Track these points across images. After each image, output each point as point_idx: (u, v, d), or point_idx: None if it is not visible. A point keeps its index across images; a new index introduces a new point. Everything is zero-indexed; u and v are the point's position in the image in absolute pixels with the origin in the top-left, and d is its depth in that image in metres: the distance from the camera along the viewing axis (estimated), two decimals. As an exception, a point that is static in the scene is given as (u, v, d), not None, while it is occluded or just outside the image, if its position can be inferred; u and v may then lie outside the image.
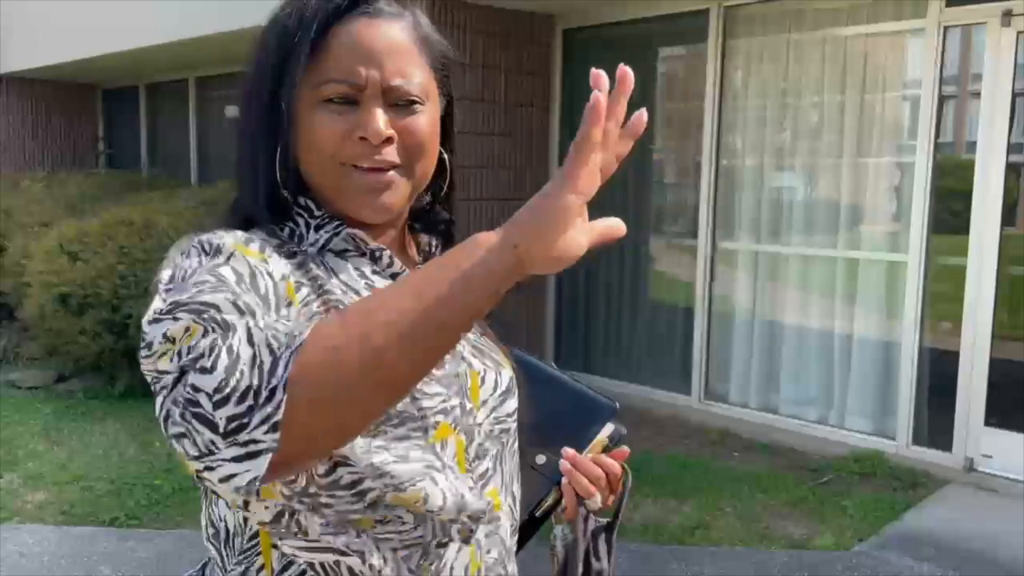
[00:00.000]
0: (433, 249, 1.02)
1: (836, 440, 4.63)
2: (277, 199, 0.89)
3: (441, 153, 0.96)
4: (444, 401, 0.86)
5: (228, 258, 0.77)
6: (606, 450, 1.07)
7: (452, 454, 0.87)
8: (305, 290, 0.82)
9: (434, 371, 0.86)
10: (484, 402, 0.93)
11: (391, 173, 0.88)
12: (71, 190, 7.69)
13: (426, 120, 0.90)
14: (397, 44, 0.88)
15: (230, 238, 0.80)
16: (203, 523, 0.91)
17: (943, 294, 4.44)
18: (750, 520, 3.79)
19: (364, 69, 0.86)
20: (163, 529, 3.64)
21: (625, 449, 1.09)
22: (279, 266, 0.81)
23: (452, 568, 0.86)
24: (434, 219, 1.02)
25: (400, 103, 0.88)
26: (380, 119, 0.86)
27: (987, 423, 4.22)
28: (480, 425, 0.92)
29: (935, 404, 4.42)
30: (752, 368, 5.07)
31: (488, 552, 0.92)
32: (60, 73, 9.01)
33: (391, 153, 0.88)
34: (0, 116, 9.46)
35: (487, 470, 0.92)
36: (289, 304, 0.79)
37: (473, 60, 5.21)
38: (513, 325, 5.54)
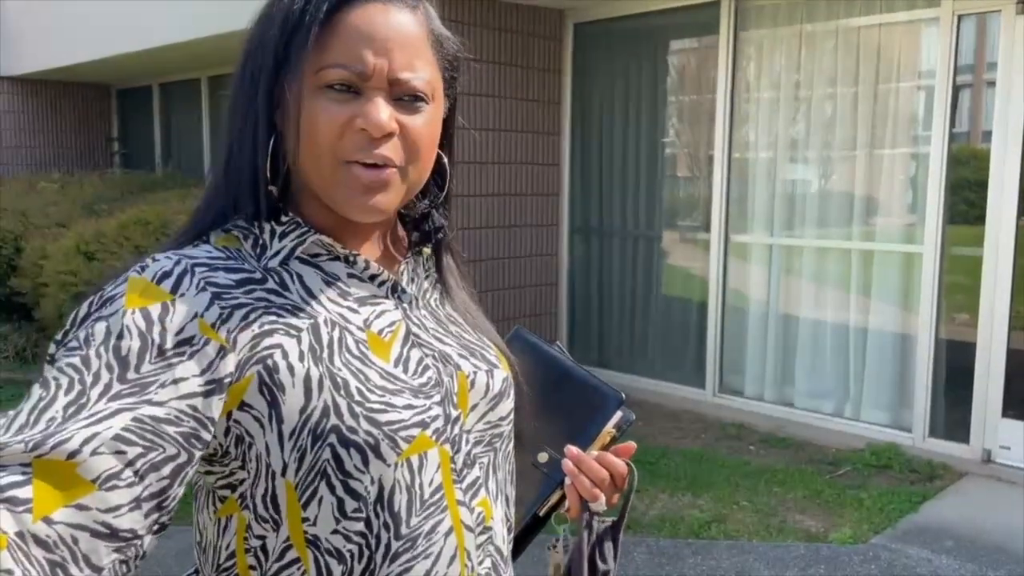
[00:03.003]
0: (423, 248, 0.95)
1: (852, 433, 4.61)
2: (257, 196, 0.83)
3: (440, 157, 0.90)
4: (420, 412, 0.83)
5: (112, 314, 0.74)
6: (615, 440, 1.04)
7: (435, 466, 0.84)
8: (237, 316, 0.77)
9: (409, 380, 0.84)
10: (474, 407, 0.89)
11: (389, 171, 0.82)
12: (86, 191, 7.74)
13: (427, 120, 0.84)
14: (409, 35, 0.82)
15: (148, 273, 0.76)
16: (193, 526, 0.88)
17: (959, 285, 4.41)
18: (766, 513, 3.78)
19: (372, 57, 0.80)
20: (181, 525, 3.66)
21: (631, 444, 1.04)
22: (193, 304, 0.76)
23: None
24: (426, 222, 0.95)
25: (405, 98, 0.82)
26: (383, 111, 0.80)
27: (1004, 414, 4.20)
28: (469, 432, 0.88)
29: (952, 396, 4.40)
30: (767, 361, 5.05)
31: (480, 563, 0.89)
32: (73, 74, 9.07)
33: (390, 149, 0.81)
34: (14, 117, 9.53)
35: (477, 479, 0.89)
36: (207, 343, 0.75)
37: (483, 56, 5.21)
38: (527, 320, 5.55)
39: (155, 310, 0.74)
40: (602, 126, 5.66)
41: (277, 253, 0.84)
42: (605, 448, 1.03)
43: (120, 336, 0.72)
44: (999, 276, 4.16)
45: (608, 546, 1.02)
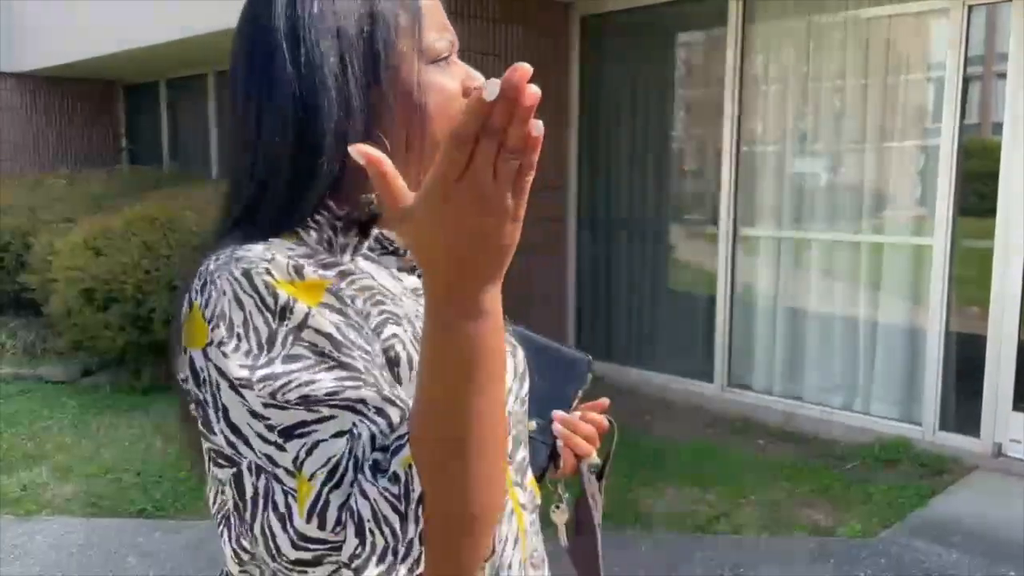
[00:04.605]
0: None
1: (861, 427, 4.59)
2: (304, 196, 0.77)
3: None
4: None
5: (305, 318, 0.68)
6: (579, 399, 1.11)
7: None
8: (359, 301, 0.75)
9: None
10: (510, 389, 0.88)
11: None
12: (94, 187, 7.75)
13: None
14: None
15: (278, 273, 0.70)
16: (227, 551, 0.80)
17: (969, 278, 4.39)
18: (774, 508, 3.77)
19: (449, 23, 0.83)
20: (189, 520, 3.68)
21: (604, 400, 1.12)
22: (342, 288, 0.74)
23: (510, 565, 0.83)
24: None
25: None
26: None
27: (1015, 408, 4.17)
28: (512, 413, 0.87)
29: (962, 389, 4.37)
30: (775, 355, 5.03)
31: (530, 541, 0.90)
32: (81, 70, 9.08)
33: None
34: (22, 114, 9.55)
35: (524, 458, 0.88)
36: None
37: (489, 49, 5.19)
38: (534, 314, 5.54)
39: (328, 298, 0.72)
40: (609, 119, 5.64)
41: (344, 247, 0.80)
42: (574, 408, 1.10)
43: (340, 330, 0.69)
44: (1009, 268, 4.13)
45: (598, 490, 1.10)
